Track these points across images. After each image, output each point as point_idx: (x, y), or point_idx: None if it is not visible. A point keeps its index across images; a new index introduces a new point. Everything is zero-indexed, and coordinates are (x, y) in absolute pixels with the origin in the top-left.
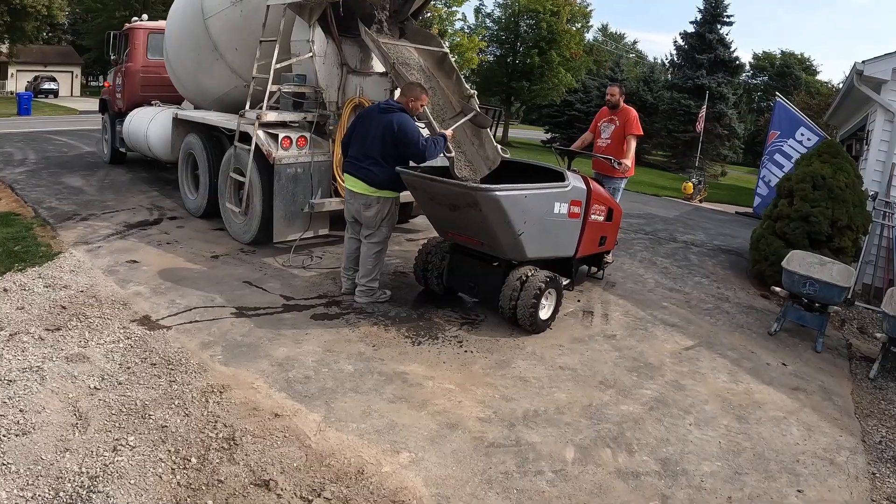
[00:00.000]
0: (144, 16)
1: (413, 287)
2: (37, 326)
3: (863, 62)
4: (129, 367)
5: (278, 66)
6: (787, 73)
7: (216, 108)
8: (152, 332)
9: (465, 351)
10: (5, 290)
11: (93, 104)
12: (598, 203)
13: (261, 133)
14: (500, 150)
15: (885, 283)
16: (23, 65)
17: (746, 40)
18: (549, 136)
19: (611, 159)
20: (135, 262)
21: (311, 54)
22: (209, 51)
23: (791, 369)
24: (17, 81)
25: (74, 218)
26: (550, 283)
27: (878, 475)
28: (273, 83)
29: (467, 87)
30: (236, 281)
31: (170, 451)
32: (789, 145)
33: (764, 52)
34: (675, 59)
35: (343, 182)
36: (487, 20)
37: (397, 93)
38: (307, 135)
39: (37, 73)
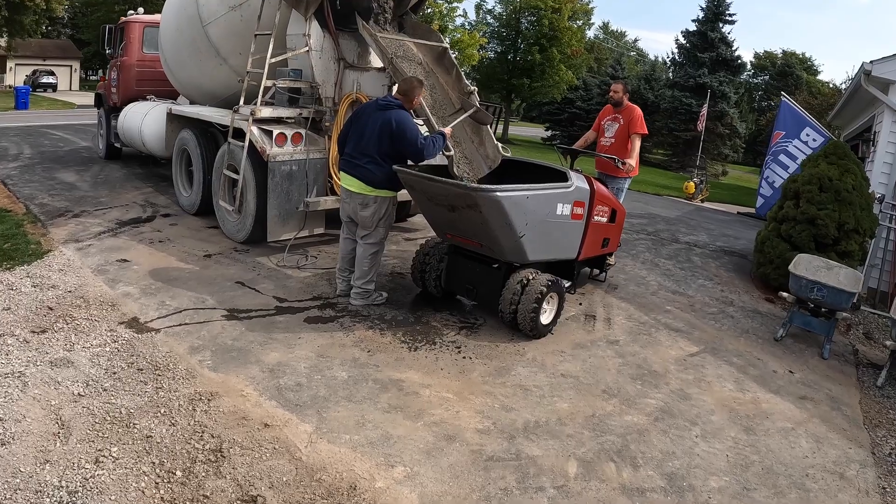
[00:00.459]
0: (140, 9)
1: (410, 289)
2: (22, 328)
3: (871, 62)
4: (114, 373)
5: (273, 60)
6: (789, 72)
7: (212, 104)
8: (140, 336)
9: (464, 357)
10: None
11: (91, 98)
12: (602, 204)
13: (255, 129)
14: (500, 149)
15: (891, 288)
16: (21, 59)
17: (747, 39)
18: (549, 133)
19: (615, 159)
20: (125, 261)
21: (307, 48)
22: (212, 56)
23: (798, 377)
24: (16, 75)
25: (66, 215)
26: (552, 286)
27: (888, 490)
28: (268, 78)
29: (468, 83)
30: (228, 281)
31: (154, 463)
32: (794, 146)
33: (765, 51)
34: (677, 57)
35: (339, 180)
36: (488, 16)
37: (395, 89)
38: (302, 131)
39: (35, 67)
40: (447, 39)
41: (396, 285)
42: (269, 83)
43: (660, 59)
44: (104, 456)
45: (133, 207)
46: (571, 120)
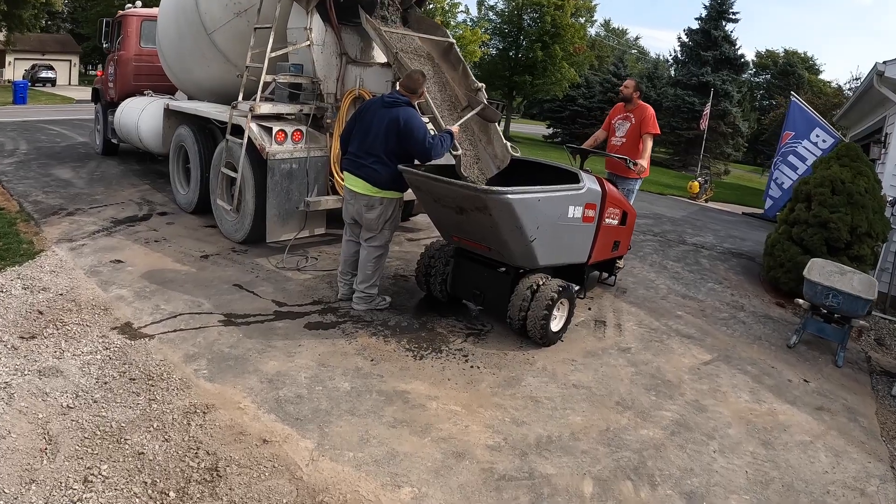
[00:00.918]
0: (139, 2)
1: (414, 292)
2: (10, 334)
3: (884, 63)
4: (106, 383)
5: (273, 55)
6: (790, 71)
7: (210, 99)
8: (133, 342)
9: (472, 366)
10: None
11: (90, 93)
12: (613, 206)
13: (254, 126)
14: (509, 148)
15: None
16: (20, 53)
17: (749, 38)
18: (550, 131)
19: (626, 159)
20: (119, 261)
21: (308, 43)
22: (221, 62)
23: (813, 386)
24: (15, 70)
25: (60, 213)
26: (563, 292)
27: None
28: (267, 73)
29: (474, 79)
30: (226, 284)
31: (146, 483)
32: (804, 146)
33: (767, 50)
34: (679, 55)
35: (342, 180)
36: (490, 13)
37: (398, 84)
38: (303, 128)
39: (34, 62)
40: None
41: (400, 289)
42: (269, 78)
43: (661, 58)
44: (93, 475)
45: (129, 205)
46: (573, 118)
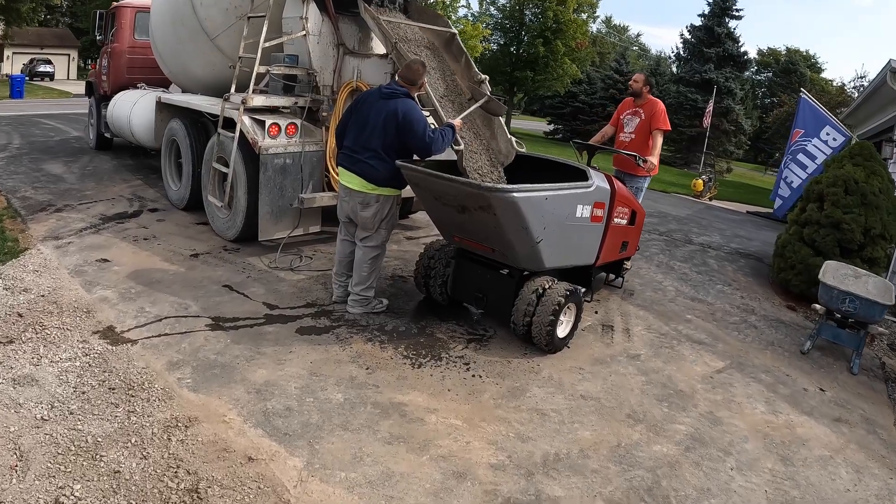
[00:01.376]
0: None
1: (413, 294)
2: None
3: None
4: (83, 392)
5: (266, 45)
6: (793, 69)
7: (204, 92)
8: (115, 348)
9: (473, 375)
10: None
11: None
12: (622, 205)
13: (246, 119)
14: (514, 143)
15: None
16: (18, 47)
17: (750, 36)
18: (551, 127)
19: (635, 156)
20: (106, 260)
21: (303, 33)
22: (216, 55)
23: (830, 395)
24: (13, 64)
25: (48, 209)
26: (571, 296)
27: None
28: (261, 64)
29: (477, 71)
30: (216, 285)
31: None
32: (814, 145)
33: (769, 48)
34: (682, 52)
35: (337, 176)
36: (492, 7)
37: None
38: (297, 122)
39: (33, 56)
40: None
41: (398, 290)
42: (263, 69)
43: (663, 54)
44: (65, 495)
45: (119, 201)
46: (574, 114)
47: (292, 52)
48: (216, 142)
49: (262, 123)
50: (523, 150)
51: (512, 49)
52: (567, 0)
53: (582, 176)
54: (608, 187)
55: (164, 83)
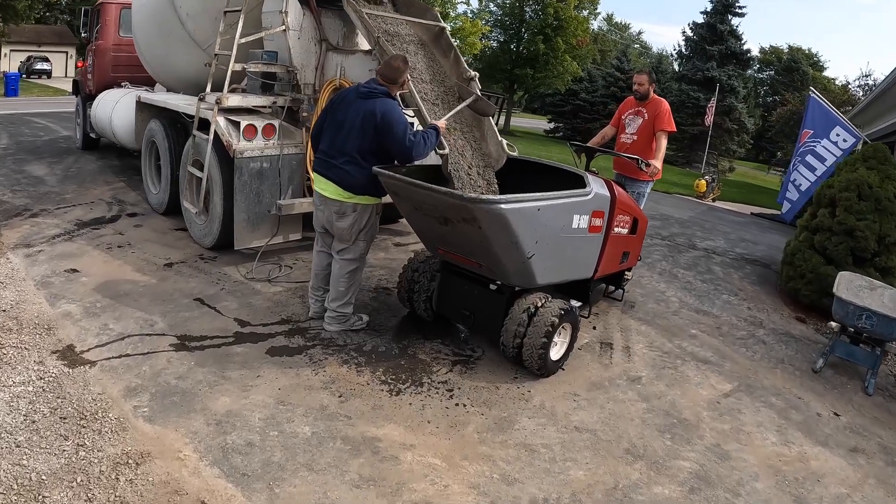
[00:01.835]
0: None
1: (396, 309)
2: None
3: None
4: (34, 422)
5: (243, 41)
6: (795, 68)
7: (190, 92)
8: (72, 371)
9: (457, 404)
10: None
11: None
12: (623, 213)
13: (221, 120)
14: (505, 147)
15: None
16: (16, 44)
17: (751, 34)
18: (552, 125)
19: (637, 159)
20: (75, 271)
21: (283, 27)
22: (196, 51)
23: (845, 421)
24: (11, 61)
25: (24, 214)
26: (566, 315)
27: None
28: (238, 61)
29: (467, 67)
30: (186, 298)
31: None
32: (823, 146)
33: (771, 46)
34: (683, 49)
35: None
36: (491, 4)
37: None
38: (276, 122)
39: (30, 54)
40: (448, 27)
41: (380, 304)
42: (239, 67)
43: (664, 53)
44: None
45: (98, 205)
46: (575, 112)
47: (272, 48)
48: (192, 144)
49: (237, 125)
50: (515, 153)
51: (512, 46)
52: None
53: (579, 182)
54: (608, 194)
55: (150, 82)
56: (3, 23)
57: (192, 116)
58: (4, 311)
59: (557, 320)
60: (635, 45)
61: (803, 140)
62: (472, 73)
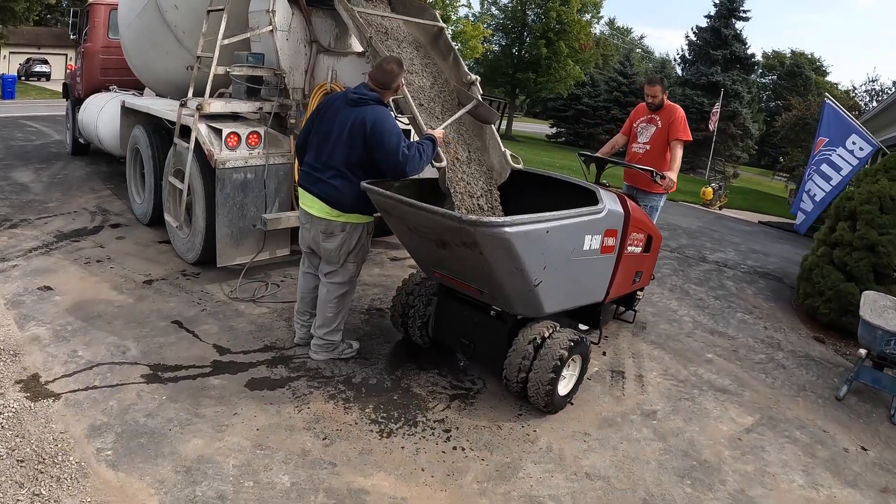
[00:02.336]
0: None
1: (390, 333)
2: None
3: None
4: None
5: (225, 42)
6: (798, 72)
7: (178, 97)
8: (34, 405)
9: (455, 447)
10: None
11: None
12: (637, 230)
13: (202, 127)
14: (509, 158)
15: None
16: (15, 47)
17: (753, 38)
18: (553, 130)
19: (652, 171)
20: (48, 288)
21: (270, 28)
22: (181, 52)
23: (872, 456)
24: (10, 63)
25: (3, 225)
26: (576, 347)
27: None
28: (221, 64)
29: (467, 71)
30: (163, 321)
31: None
32: (838, 154)
33: (774, 50)
34: (687, 54)
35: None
36: (493, 7)
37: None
38: (261, 130)
39: (29, 56)
40: (449, 30)
41: (373, 328)
42: (222, 70)
43: (668, 56)
44: None
45: (81, 215)
46: (577, 117)
47: (259, 50)
48: (173, 152)
49: (219, 132)
50: (520, 165)
51: (514, 50)
52: (571, 0)
53: (590, 197)
54: (621, 210)
55: (139, 85)
56: (2, 25)
57: (174, 123)
58: None
59: (567, 353)
60: (637, 50)
61: (818, 148)
62: (474, 76)
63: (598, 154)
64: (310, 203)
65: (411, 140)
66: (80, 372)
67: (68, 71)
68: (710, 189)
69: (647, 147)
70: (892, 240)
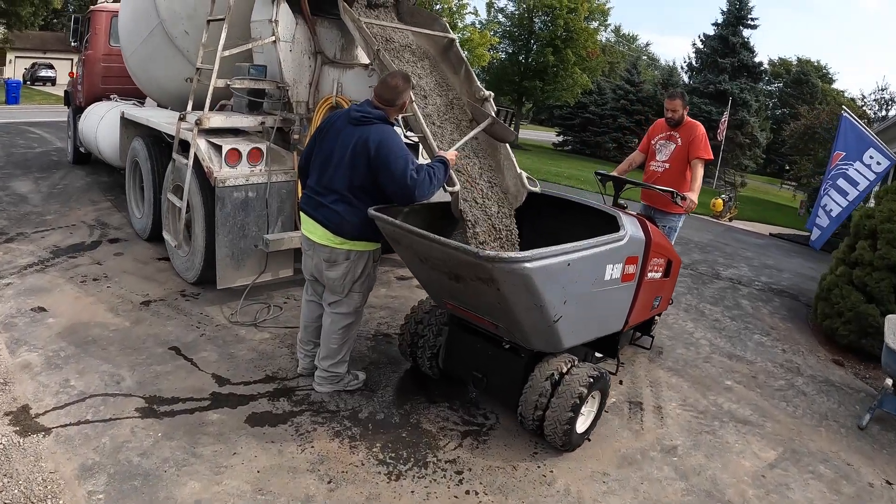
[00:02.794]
0: None
1: (397, 361)
2: None
3: None
4: None
5: (226, 53)
6: (804, 80)
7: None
8: (23, 440)
9: (468, 491)
10: None
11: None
12: (658, 255)
13: (202, 143)
14: (525, 181)
15: None
16: (21, 51)
17: (760, 46)
18: (560, 139)
19: (673, 192)
20: (42, 310)
21: (273, 38)
22: (182, 62)
23: None
24: (16, 68)
25: None
26: (595, 383)
27: None
28: (223, 76)
29: (480, 86)
30: (161, 346)
31: None
32: (855, 169)
33: (780, 58)
34: (694, 62)
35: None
36: (500, 15)
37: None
38: (263, 146)
39: (35, 61)
40: (457, 38)
41: (380, 355)
42: (222, 83)
43: (674, 64)
44: None
45: (80, 229)
46: (584, 125)
47: (261, 61)
48: (172, 168)
49: (219, 148)
50: (536, 188)
51: (520, 58)
52: (578, 8)
53: (609, 221)
54: (642, 236)
55: (140, 95)
56: (8, 29)
57: (174, 137)
58: None
59: (586, 390)
60: (643, 57)
61: (834, 162)
62: (487, 92)
63: (614, 173)
64: (312, 229)
65: (419, 160)
66: (73, 404)
67: (70, 78)
68: (720, 200)
69: (666, 166)
70: None
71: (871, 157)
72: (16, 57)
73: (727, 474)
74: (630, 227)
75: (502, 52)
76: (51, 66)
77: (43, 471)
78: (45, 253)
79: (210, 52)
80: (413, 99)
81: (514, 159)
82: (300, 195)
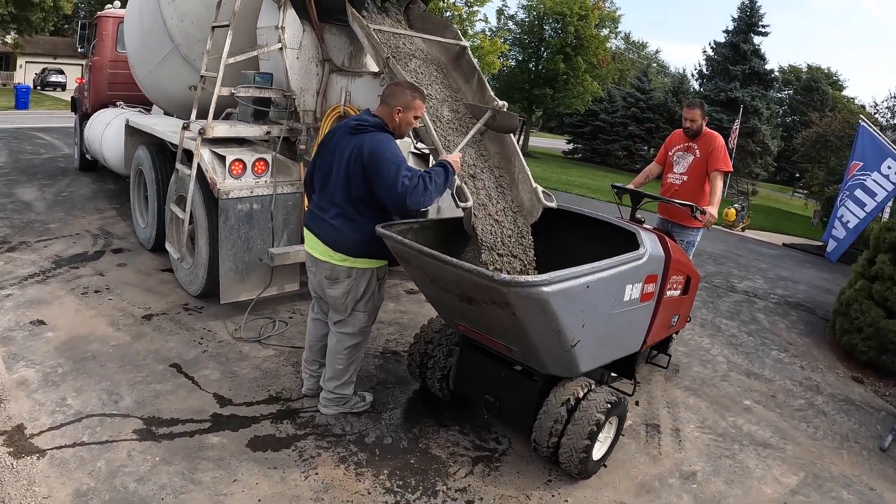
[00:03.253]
0: (117, 2)
1: (407, 380)
2: None
3: None
4: None
5: (230, 60)
6: (814, 87)
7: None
8: (16, 463)
9: None
10: None
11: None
12: (677, 273)
13: (205, 153)
14: (541, 195)
15: None
16: (32, 56)
17: (770, 53)
18: (570, 146)
19: (692, 206)
20: (41, 323)
21: (279, 46)
22: (188, 69)
23: None
24: (26, 73)
25: (1, 248)
26: (613, 409)
27: None
28: (227, 84)
29: (493, 96)
30: (161, 364)
31: None
32: (873, 179)
33: (790, 65)
34: (704, 69)
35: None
36: (510, 23)
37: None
38: (268, 157)
39: (45, 66)
40: (468, 44)
41: (388, 374)
42: (226, 91)
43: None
44: None
45: (83, 238)
46: (594, 133)
47: (267, 69)
48: (175, 178)
49: (223, 159)
50: (552, 204)
51: (531, 65)
52: (589, 15)
53: (628, 237)
54: (662, 254)
55: (147, 102)
56: (19, 34)
57: (177, 146)
58: None
59: (604, 417)
60: (653, 65)
61: (852, 173)
62: (501, 102)
63: (630, 186)
64: (313, 245)
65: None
66: (69, 424)
67: (77, 84)
68: (732, 210)
69: (684, 178)
70: None
71: (890, 168)
72: (26, 62)
73: (748, 502)
74: (650, 245)
75: (512, 59)
76: (61, 72)
77: (36, 496)
78: (47, 263)
79: (214, 60)
80: (425, 107)
81: (530, 173)
82: (306, 208)
